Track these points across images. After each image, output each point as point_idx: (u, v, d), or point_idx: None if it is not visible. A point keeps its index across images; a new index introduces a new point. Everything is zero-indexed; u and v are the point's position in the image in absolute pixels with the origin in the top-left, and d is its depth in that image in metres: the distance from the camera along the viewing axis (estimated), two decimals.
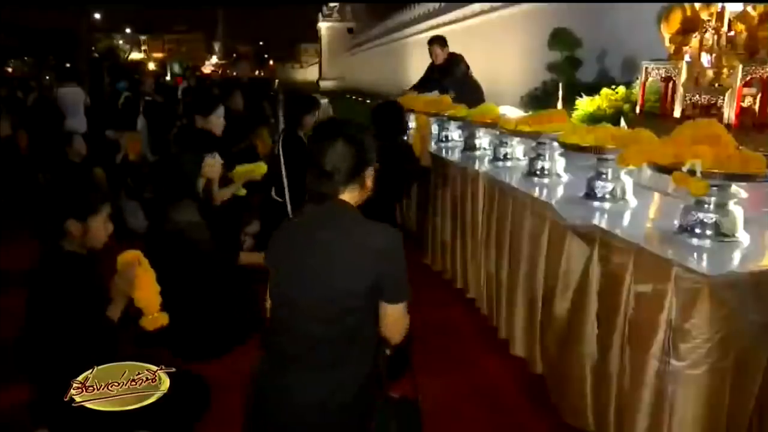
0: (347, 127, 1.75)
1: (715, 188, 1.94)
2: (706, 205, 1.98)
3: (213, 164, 3.27)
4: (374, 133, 4.43)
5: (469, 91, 5.42)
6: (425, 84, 5.80)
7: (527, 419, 2.53)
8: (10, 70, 37.04)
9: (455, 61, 5.66)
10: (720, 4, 3.20)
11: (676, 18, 3.39)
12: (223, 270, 3.17)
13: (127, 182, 5.77)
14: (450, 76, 5.58)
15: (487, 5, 17.16)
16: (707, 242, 1.95)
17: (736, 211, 1.98)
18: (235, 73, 7.30)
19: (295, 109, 4.51)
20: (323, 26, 53.47)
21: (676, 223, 2.07)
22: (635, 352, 1.95)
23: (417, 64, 25.81)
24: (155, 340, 2.54)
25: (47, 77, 10.45)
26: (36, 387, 2.12)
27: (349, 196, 1.73)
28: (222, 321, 3.11)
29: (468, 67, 5.73)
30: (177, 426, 2.27)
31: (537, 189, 2.89)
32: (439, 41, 5.77)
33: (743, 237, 1.98)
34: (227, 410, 2.53)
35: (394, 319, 1.71)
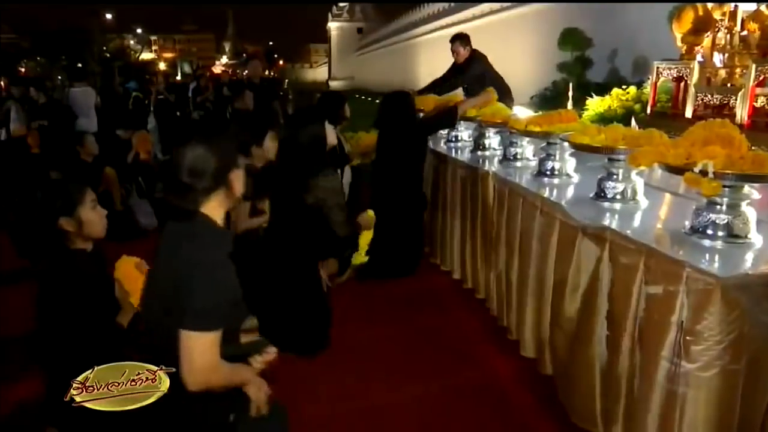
0: (202, 130, 1.64)
1: (727, 189, 1.92)
2: (718, 206, 1.97)
3: (332, 132, 3.19)
4: (383, 123, 4.42)
5: (483, 89, 5.17)
6: (440, 84, 5.59)
7: (535, 420, 2.52)
8: (23, 70, 37.44)
9: (474, 59, 5.46)
10: (733, 3, 3.18)
11: (688, 17, 3.37)
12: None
13: (138, 181, 5.81)
14: (467, 74, 5.41)
15: (497, 5, 17.15)
16: (719, 243, 1.94)
17: (749, 212, 1.97)
18: (245, 73, 7.29)
19: (330, 103, 4.39)
20: (333, 26, 53.66)
21: (688, 224, 2.06)
22: (645, 353, 1.94)
23: (426, 63, 25.82)
24: None
25: (59, 77, 10.56)
26: (45, 386, 2.14)
27: (216, 203, 1.60)
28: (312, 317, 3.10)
29: (488, 65, 5.51)
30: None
31: (547, 189, 2.88)
32: (461, 39, 5.51)
33: (756, 238, 1.96)
34: None
35: (187, 351, 1.50)
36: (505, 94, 5.46)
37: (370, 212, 3.71)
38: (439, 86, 5.52)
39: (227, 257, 1.57)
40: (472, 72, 5.38)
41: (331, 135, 3.14)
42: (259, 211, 3.50)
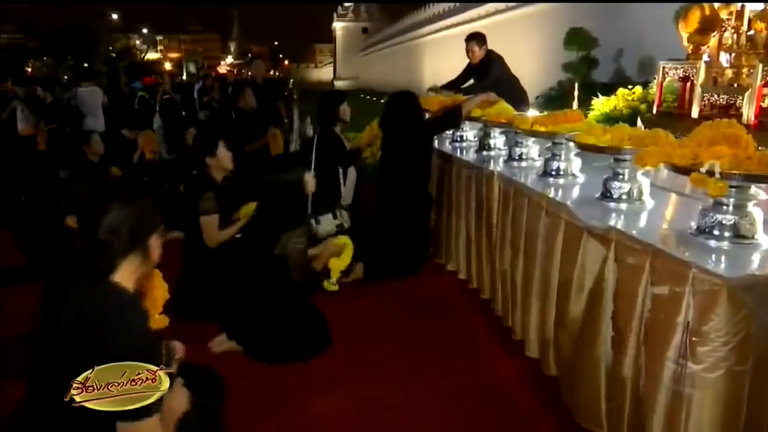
0: (123, 188, 1.56)
1: (733, 190, 1.91)
2: (724, 207, 1.96)
3: (310, 178, 3.18)
4: (388, 123, 4.42)
5: (504, 94, 4.86)
6: (455, 86, 5.42)
7: (539, 420, 2.51)
8: (29, 70, 37.65)
9: (491, 61, 5.25)
10: (739, 3, 3.17)
11: (695, 17, 3.35)
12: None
13: (144, 181, 5.82)
14: (484, 78, 5.20)
15: (502, 5, 17.14)
16: (725, 244, 1.93)
17: (756, 212, 1.96)
18: (249, 73, 7.31)
19: (327, 104, 4.45)
20: (338, 26, 53.73)
21: (694, 224, 2.05)
22: (651, 354, 1.93)
23: (431, 63, 25.82)
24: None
25: (65, 77, 10.66)
26: None
27: (129, 269, 1.53)
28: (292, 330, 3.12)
29: (504, 67, 5.34)
30: None
31: (552, 189, 2.88)
32: (476, 38, 5.31)
33: (762, 239, 1.95)
34: (243, 404, 2.55)
35: None
36: (521, 98, 5.22)
37: (341, 239, 3.72)
38: (454, 87, 5.36)
39: (146, 325, 1.52)
40: (491, 76, 5.16)
41: (311, 183, 3.14)
42: (233, 220, 3.51)
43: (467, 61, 5.48)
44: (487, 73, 5.21)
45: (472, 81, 5.45)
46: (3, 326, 3.28)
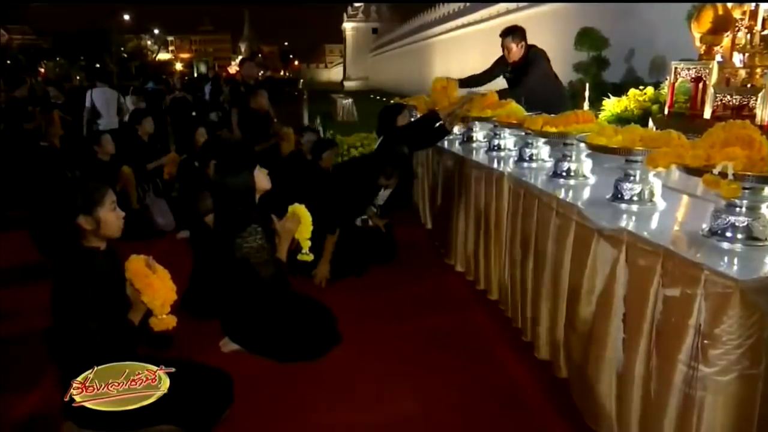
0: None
1: (746, 191, 1.90)
2: (737, 209, 1.94)
3: (262, 175, 3.09)
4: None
5: (544, 92, 4.45)
6: (482, 79, 4.85)
7: (549, 422, 2.51)
8: (42, 70, 38.03)
9: (535, 57, 4.57)
10: (753, 3, 3.14)
11: (707, 17, 3.33)
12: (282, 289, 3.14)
13: (155, 181, 5.86)
14: (527, 77, 4.51)
15: (512, 5, 17.10)
16: (738, 246, 1.91)
17: None
18: (242, 74, 7.20)
19: (387, 117, 4.53)
20: (348, 26, 53.77)
21: (706, 226, 2.03)
22: (662, 357, 1.92)
23: (442, 64, 25.77)
24: (161, 342, 2.59)
25: (77, 77, 10.74)
26: (61, 381, 2.17)
27: None
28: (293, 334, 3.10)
29: (548, 64, 4.67)
30: (200, 420, 2.30)
31: (563, 191, 2.86)
32: (513, 33, 4.55)
33: None
34: (250, 403, 2.56)
35: None
36: (562, 95, 4.82)
37: (290, 208, 3.34)
38: (478, 83, 4.83)
39: None
40: (532, 76, 4.51)
41: (262, 180, 3.03)
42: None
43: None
44: (527, 73, 4.53)
45: (506, 84, 4.84)
46: (22, 323, 3.33)
